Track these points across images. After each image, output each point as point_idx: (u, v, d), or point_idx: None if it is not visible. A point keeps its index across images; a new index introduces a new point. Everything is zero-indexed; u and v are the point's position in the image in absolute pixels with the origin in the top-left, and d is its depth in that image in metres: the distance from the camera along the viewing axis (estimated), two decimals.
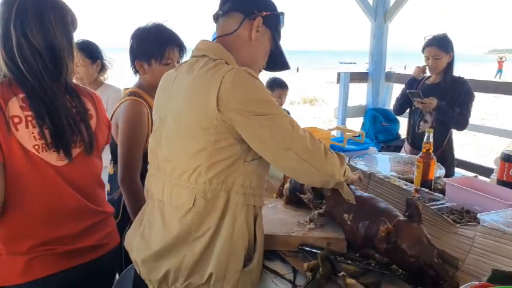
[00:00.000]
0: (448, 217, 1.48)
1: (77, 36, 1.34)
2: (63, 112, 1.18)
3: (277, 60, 1.29)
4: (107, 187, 1.75)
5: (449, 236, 1.29)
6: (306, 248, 1.28)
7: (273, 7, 1.24)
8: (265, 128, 1.04)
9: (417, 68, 2.81)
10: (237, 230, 1.11)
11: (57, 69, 1.20)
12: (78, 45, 2.21)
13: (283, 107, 3.39)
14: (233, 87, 1.03)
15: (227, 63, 1.11)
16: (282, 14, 1.26)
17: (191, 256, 1.10)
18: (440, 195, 1.69)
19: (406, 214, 1.18)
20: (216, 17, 1.25)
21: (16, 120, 1.12)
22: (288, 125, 1.07)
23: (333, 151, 1.19)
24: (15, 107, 1.13)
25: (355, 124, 4.50)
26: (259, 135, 1.06)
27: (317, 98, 13.53)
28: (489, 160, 4.00)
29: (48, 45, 1.17)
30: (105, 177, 1.96)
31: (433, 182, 1.85)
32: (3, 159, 1.11)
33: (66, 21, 1.23)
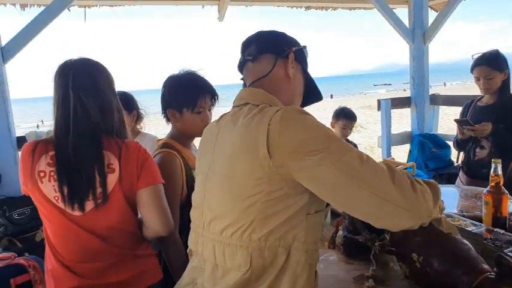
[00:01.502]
0: None
1: None
2: (85, 169, 1.29)
3: (311, 92, 1.23)
4: None
5: None
6: None
7: (297, 42, 1.21)
8: (324, 166, 0.89)
9: (458, 128, 2.51)
10: None
11: (107, 125, 1.34)
12: None
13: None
14: (282, 128, 0.92)
15: (271, 106, 1.03)
16: (305, 47, 1.23)
17: None
18: None
19: (496, 271, 0.98)
20: (242, 64, 1.20)
21: (42, 174, 1.30)
22: (355, 158, 0.91)
23: (421, 181, 0.99)
24: (43, 163, 1.31)
25: (401, 152, 4.27)
26: (319, 177, 0.91)
27: (355, 125, 13.22)
28: None
29: (99, 105, 1.32)
30: None
31: (507, 220, 1.61)
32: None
33: (111, 79, 1.39)
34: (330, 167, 0.89)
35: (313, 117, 0.96)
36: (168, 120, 1.66)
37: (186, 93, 1.59)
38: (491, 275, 0.96)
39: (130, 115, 2.30)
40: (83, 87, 1.30)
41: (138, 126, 2.40)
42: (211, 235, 1.04)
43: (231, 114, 1.11)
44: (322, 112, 19.76)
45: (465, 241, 1.09)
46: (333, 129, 3.27)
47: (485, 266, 1.00)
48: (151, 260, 1.46)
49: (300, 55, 1.18)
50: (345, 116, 3.15)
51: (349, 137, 3.27)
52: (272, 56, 1.14)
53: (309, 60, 1.25)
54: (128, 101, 2.29)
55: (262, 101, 1.06)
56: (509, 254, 1.25)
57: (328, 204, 1.06)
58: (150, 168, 1.36)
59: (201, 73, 1.65)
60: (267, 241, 0.96)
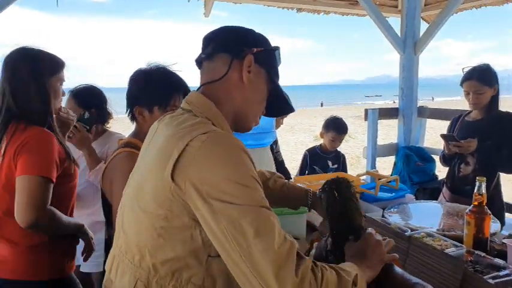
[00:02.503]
0: None
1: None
2: None
3: (277, 103, 1.10)
4: (103, 257, 1.53)
5: None
6: None
7: (264, 43, 1.05)
8: (219, 220, 0.78)
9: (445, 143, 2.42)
10: None
11: (22, 111, 1.45)
12: (71, 93, 2.05)
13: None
14: (198, 154, 0.81)
15: (214, 125, 0.92)
16: (277, 48, 1.07)
17: None
18: (502, 261, 1.36)
19: None
20: (199, 62, 1.06)
21: None
22: (249, 226, 0.77)
23: (329, 269, 0.84)
24: None
25: (386, 164, 4.20)
26: (210, 226, 0.80)
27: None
28: None
29: (13, 92, 1.45)
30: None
31: (489, 242, 1.52)
32: None
33: (40, 70, 1.47)
34: (224, 224, 0.78)
35: (244, 154, 0.84)
36: (133, 118, 1.50)
37: (159, 89, 1.44)
38: None
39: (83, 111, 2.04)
40: (6, 76, 1.44)
41: (107, 125, 2.21)
42: (115, 245, 0.98)
43: (169, 117, 0.99)
44: (312, 119, 19.85)
45: (414, 279, 0.98)
46: (322, 139, 3.17)
47: None
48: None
49: (265, 58, 1.03)
50: (335, 129, 3.06)
51: (340, 146, 3.20)
52: (228, 56, 1.00)
53: (282, 66, 1.09)
54: (85, 97, 2.09)
55: (206, 115, 0.95)
56: (489, 281, 1.17)
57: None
58: (30, 157, 1.38)
59: (174, 68, 1.50)
60: (156, 272, 0.86)
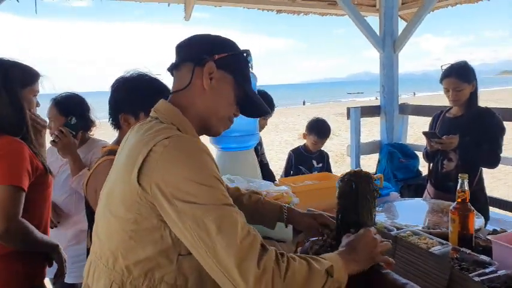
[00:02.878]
0: None
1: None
2: None
3: (249, 106, 1.10)
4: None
5: None
6: None
7: (229, 48, 1.06)
8: (184, 219, 0.82)
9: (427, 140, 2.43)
10: None
11: None
12: (53, 101, 2.01)
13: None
14: (161, 158, 0.85)
15: (179, 130, 0.95)
16: (244, 52, 1.08)
17: None
18: (488, 258, 1.37)
19: None
20: (170, 71, 1.09)
21: None
22: (212, 223, 0.81)
23: (298, 259, 0.86)
24: None
25: (370, 161, 4.23)
26: (178, 226, 0.84)
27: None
28: None
29: None
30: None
31: (473, 238, 1.54)
32: None
33: (9, 79, 1.46)
34: (189, 223, 0.82)
35: (207, 156, 0.88)
36: (116, 126, 1.49)
37: (144, 95, 1.42)
38: None
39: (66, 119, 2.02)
40: None
41: (90, 133, 2.19)
42: (92, 251, 1.01)
43: (138, 125, 1.02)
44: (295, 118, 19.93)
45: (403, 280, 0.99)
46: (305, 140, 3.17)
47: None
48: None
49: (230, 63, 1.04)
50: (317, 133, 3.06)
51: (324, 144, 3.20)
52: (191, 65, 1.02)
53: (263, 65, 1.10)
54: (67, 105, 2.06)
55: (171, 121, 0.97)
56: (475, 279, 1.17)
57: None
58: (0, 167, 1.36)
59: (154, 73, 1.51)
60: (130, 273, 0.89)
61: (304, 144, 3.20)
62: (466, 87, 2.31)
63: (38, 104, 1.63)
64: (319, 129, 3.08)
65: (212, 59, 1.01)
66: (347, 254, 0.97)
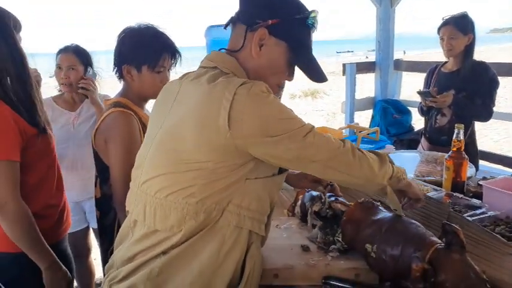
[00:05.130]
0: (494, 230, 1.27)
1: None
2: None
3: (304, 73, 1.08)
4: (97, 213, 1.54)
5: (504, 259, 1.07)
6: (332, 282, 1.07)
7: (287, 11, 1.01)
8: (281, 146, 0.92)
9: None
10: (222, 256, 0.95)
11: None
12: (72, 49, 2.01)
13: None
14: (247, 102, 0.89)
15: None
16: (306, 16, 1.02)
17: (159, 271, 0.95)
18: (478, 201, 1.47)
19: (444, 241, 0.97)
20: (231, 22, 1.06)
21: None
22: (308, 137, 0.93)
23: (365, 151, 1.03)
24: None
25: (364, 118, 4.30)
26: (275, 155, 0.93)
27: (318, 90, 13.30)
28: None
29: None
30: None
31: (465, 185, 1.63)
32: None
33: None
34: (287, 148, 0.92)
35: (277, 99, 0.94)
36: (120, 77, 1.49)
37: (149, 49, 1.43)
38: (440, 245, 0.95)
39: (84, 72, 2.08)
40: None
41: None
42: (144, 195, 1.00)
43: (195, 75, 1.02)
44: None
45: (412, 220, 1.08)
46: None
47: (434, 239, 0.99)
48: None
49: (286, 29, 1.00)
50: None
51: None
52: (243, 28, 1.00)
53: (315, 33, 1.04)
54: (87, 56, 2.10)
55: (232, 70, 0.99)
56: (466, 218, 1.27)
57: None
58: None
59: (162, 29, 1.49)
60: (203, 204, 0.94)
61: None
62: (460, 37, 2.31)
63: None
64: None
65: (265, 24, 0.98)
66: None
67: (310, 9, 1.03)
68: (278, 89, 1.09)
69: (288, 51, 1.02)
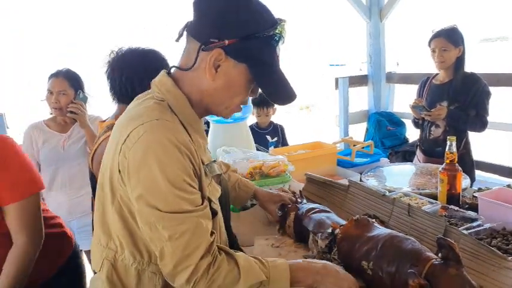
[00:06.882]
0: (490, 242, 1.26)
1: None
2: None
3: (267, 96, 0.94)
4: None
5: (500, 272, 1.06)
6: None
7: (246, 29, 0.85)
8: (142, 218, 0.86)
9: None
10: None
11: None
12: (63, 74, 2.09)
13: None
14: (132, 152, 0.84)
15: (171, 108, 0.90)
16: (269, 33, 0.86)
17: None
18: (474, 213, 1.46)
19: (440, 255, 0.95)
20: (180, 34, 0.93)
21: None
22: (166, 231, 0.83)
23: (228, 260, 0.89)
24: None
25: (358, 131, 4.30)
26: (138, 218, 0.88)
27: (312, 104, 13.33)
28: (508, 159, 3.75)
29: None
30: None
31: (460, 196, 1.62)
32: None
33: None
34: (144, 223, 0.86)
35: (173, 156, 0.82)
36: (119, 100, 1.48)
37: (153, 73, 1.43)
38: (436, 260, 0.94)
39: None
40: None
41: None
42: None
43: (134, 102, 0.98)
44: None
45: (407, 236, 1.06)
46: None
47: (429, 254, 0.98)
48: None
49: (245, 48, 0.85)
50: (255, 104, 2.82)
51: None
52: (197, 44, 0.87)
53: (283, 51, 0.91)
54: (78, 80, 2.15)
55: (164, 97, 0.91)
56: (462, 232, 1.25)
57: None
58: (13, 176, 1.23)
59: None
60: (123, 251, 0.94)
61: (257, 122, 3.02)
62: (452, 49, 2.34)
63: None
64: (256, 100, 2.86)
65: (221, 44, 0.84)
66: (310, 271, 0.96)
67: (275, 20, 0.88)
68: (240, 109, 0.98)
69: (249, 72, 0.89)
